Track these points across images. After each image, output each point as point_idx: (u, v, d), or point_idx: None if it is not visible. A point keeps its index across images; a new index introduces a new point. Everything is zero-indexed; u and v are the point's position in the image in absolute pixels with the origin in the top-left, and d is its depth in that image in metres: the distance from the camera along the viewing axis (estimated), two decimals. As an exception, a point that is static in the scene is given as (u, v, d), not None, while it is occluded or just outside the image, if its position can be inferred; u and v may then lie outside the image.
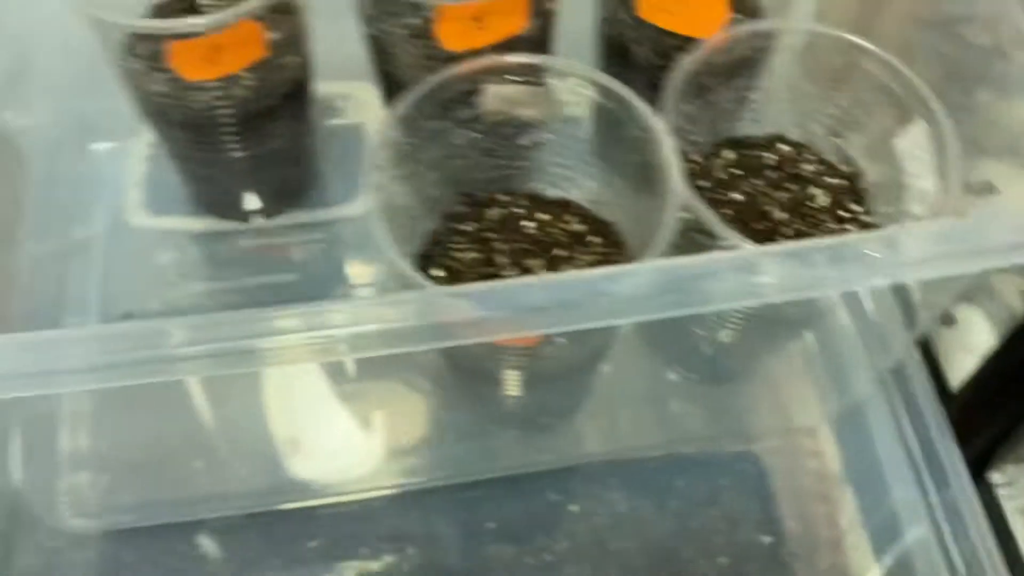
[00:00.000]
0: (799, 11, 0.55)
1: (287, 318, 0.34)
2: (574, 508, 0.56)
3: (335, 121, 0.68)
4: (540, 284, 0.35)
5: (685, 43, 0.52)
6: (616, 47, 0.55)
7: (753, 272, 0.35)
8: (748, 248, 0.37)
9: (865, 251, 0.35)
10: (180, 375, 0.34)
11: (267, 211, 0.62)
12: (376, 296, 0.43)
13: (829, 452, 0.58)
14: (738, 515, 0.56)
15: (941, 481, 0.53)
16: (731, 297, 0.35)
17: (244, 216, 0.62)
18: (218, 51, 0.47)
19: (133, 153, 0.67)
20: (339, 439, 0.57)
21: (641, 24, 0.53)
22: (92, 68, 0.66)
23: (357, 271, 0.63)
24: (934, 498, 0.54)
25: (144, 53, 0.50)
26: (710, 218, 0.40)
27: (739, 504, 0.56)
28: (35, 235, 0.61)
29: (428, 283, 0.38)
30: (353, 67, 0.67)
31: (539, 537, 0.55)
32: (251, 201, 0.61)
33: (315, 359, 0.39)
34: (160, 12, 0.56)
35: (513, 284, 0.35)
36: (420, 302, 0.34)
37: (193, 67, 0.48)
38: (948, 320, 0.63)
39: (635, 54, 0.55)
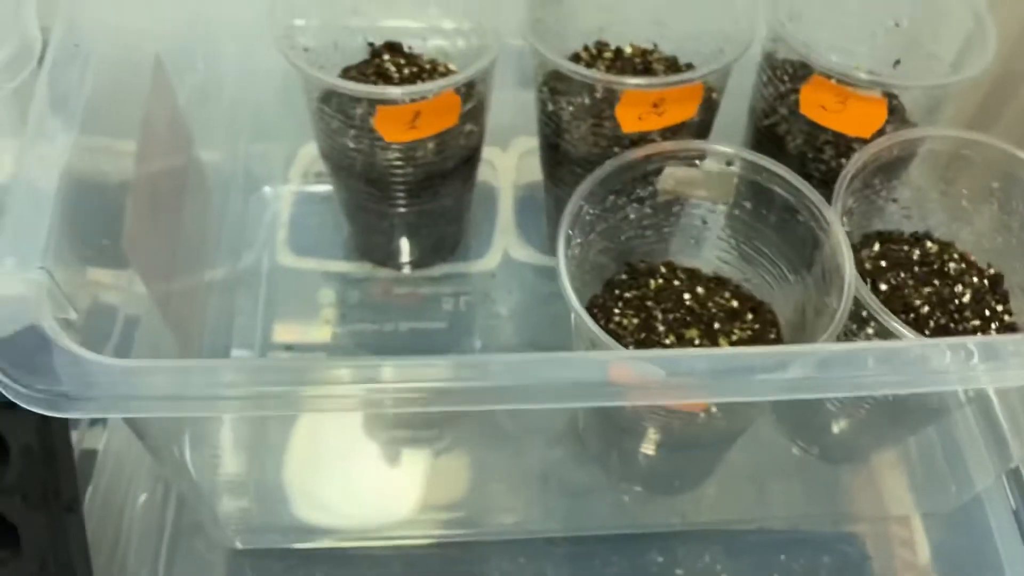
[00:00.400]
0: (946, 117, 0.58)
1: (448, 367, 0.36)
2: (679, 572, 0.58)
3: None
4: (718, 355, 0.38)
5: (837, 139, 0.56)
6: (770, 137, 0.59)
7: (921, 361, 0.37)
8: (918, 339, 0.40)
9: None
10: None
11: (420, 262, 0.67)
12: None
13: (935, 545, 0.59)
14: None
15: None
16: (901, 386, 0.38)
17: (398, 265, 0.67)
18: (418, 117, 0.52)
19: (293, 198, 0.72)
20: (472, 481, 0.60)
21: (798, 118, 0.57)
22: (269, 117, 0.73)
23: (496, 322, 0.67)
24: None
25: (343, 109, 0.55)
26: (877, 307, 0.43)
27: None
28: (210, 263, 0.66)
29: (610, 339, 0.41)
30: (491, 134, 0.73)
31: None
32: (409, 252, 0.66)
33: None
34: (349, 74, 0.61)
35: (694, 352, 0.38)
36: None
37: (394, 130, 0.53)
38: None
39: (788, 145, 0.58)
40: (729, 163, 0.49)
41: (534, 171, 0.67)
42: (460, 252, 0.70)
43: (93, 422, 0.61)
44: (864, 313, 0.44)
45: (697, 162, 0.49)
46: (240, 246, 0.69)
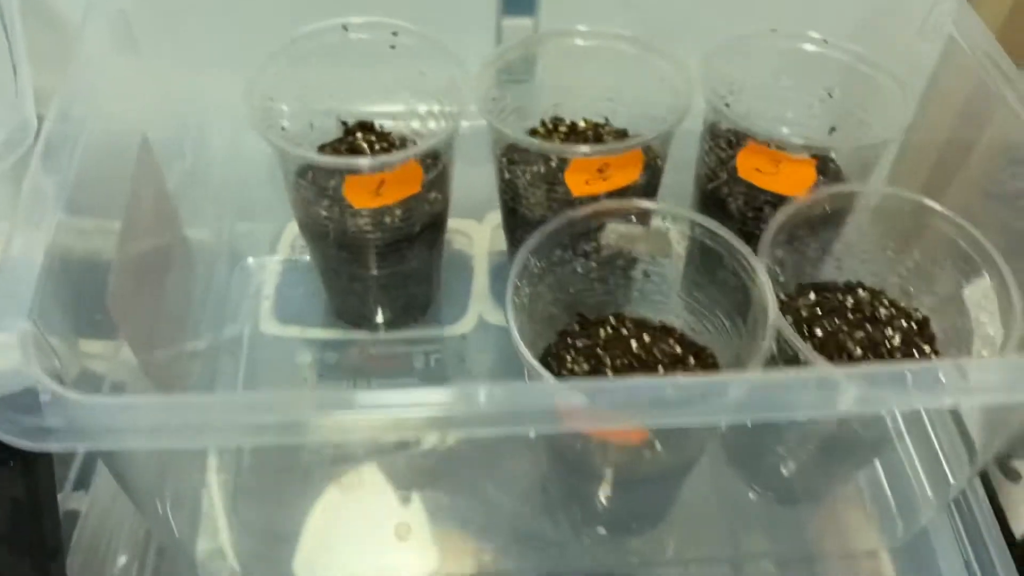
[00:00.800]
0: (877, 176, 0.63)
1: (423, 395, 0.40)
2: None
3: (448, 250, 0.78)
4: (648, 384, 0.41)
5: (775, 199, 0.60)
6: (714, 199, 0.64)
7: (836, 389, 0.41)
8: (834, 368, 0.43)
9: (939, 375, 0.41)
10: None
11: (393, 323, 0.71)
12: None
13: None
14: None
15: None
16: (813, 408, 0.41)
17: (374, 327, 0.71)
18: (383, 185, 0.57)
19: (272, 270, 0.77)
20: (444, 526, 0.62)
21: (737, 181, 0.61)
22: (250, 199, 0.79)
23: (467, 380, 0.70)
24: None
25: (316, 182, 0.60)
26: (800, 344, 0.47)
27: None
28: (193, 334, 0.70)
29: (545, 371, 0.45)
30: (464, 208, 0.78)
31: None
32: (382, 313, 0.70)
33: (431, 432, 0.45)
34: (324, 150, 0.66)
35: (624, 382, 0.41)
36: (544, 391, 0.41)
37: (360, 198, 0.57)
38: (1014, 476, 0.68)
39: (730, 206, 0.63)
40: (665, 219, 0.53)
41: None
42: (433, 314, 0.74)
43: (77, 485, 0.63)
44: (791, 352, 0.48)
45: (635, 219, 0.53)
46: (224, 315, 0.73)
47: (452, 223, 0.79)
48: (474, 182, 0.70)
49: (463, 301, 0.75)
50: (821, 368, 0.44)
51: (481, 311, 0.74)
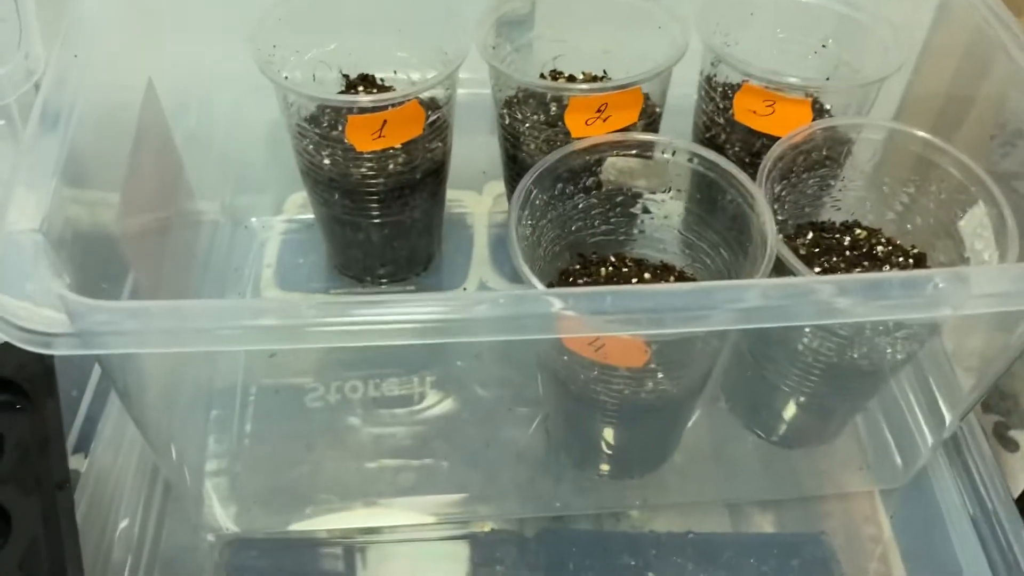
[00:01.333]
0: (873, 115, 0.64)
1: (411, 303, 0.40)
2: (650, 574, 0.60)
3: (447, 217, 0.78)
4: (650, 291, 0.42)
5: (772, 142, 0.61)
6: (712, 147, 0.64)
7: (833, 292, 0.41)
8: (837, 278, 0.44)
9: (937, 282, 0.41)
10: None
11: (396, 277, 0.71)
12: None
13: (892, 523, 0.62)
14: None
15: (1006, 546, 0.57)
16: (814, 315, 0.42)
17: (376, 280, 0.71)
18: (385, 126, 0.57)
19: (276, 232, 0.78)
20: (446, 472, 0.63)
21: (734, 127, 0.62)
22: (254, 159, 0.79)
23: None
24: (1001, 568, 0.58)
25: (321, 127, 0.61)
26: (799, 265, 0.47)
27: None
28: (198, 292, 0.71)
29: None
30: (465, 178, 0.78)
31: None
32: (384, 266, 0.70)
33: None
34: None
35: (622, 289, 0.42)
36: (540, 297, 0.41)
37: (363, 139, 0.58)
38: (1012, 446, 0.68)
39: (728, 152, 0.64)
40: (664, 151, 0.54)
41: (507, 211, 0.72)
42: (434, 275, 0.74)
43: (76, 448, 0.64)
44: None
45: (636, 153, 0.54)
46: (226, 279, 0.73)
47: (453, 193, 0.80)
48: (474, 153, 0.72)
49: (464, 266, 0.76)
50: (817, 278, 0.44)
51: (481, 275, 0.75)
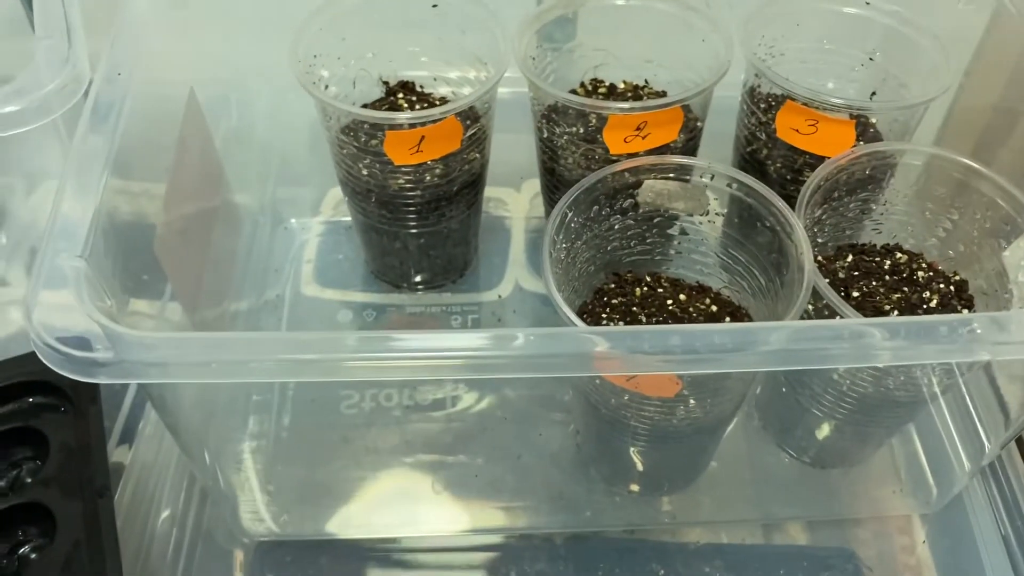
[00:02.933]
0: (918, 138, 0.63)
1: (447, 339, 0.41)
2: (678, 584, 0.61)
3: (484, 216, 0.78)
4: (681, 331, 0.41)
5: (814, 162, 0.60)
6: (753, 162, 0.64)
7: (869, 339, 0.41)
8: (868, 319, 0.43)
9: (975, 327, 0.41)
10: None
11: (431, 284, 0.72)
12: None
13: (925, 547, 0.62)
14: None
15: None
16: (846, 359, 0.42)
17: (412, 287, 0.72)
18: (423, 141, 0.57)
19: (314, 232, 0.78)
20: (478, 482, 0.63)
21: (776, 143, 0.61)
22: (293, 162, 0.80)
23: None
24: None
25: (359, 139, 0.61)
26: (835, 300, 0.47)
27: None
28: (237, 293, 0.72)
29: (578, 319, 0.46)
30: (504, 175, 0.78)
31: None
32: (421, 274, 0.71)
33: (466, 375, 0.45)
34: (367, 109, 0.67)
35: (656, 329, 0.42)
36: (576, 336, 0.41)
37: (400, 154, 0.58)
38: None
39: (769, 169, 0.63)
40: (702, 175, 0.54)
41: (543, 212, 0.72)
42: (471, 278, 0.75)
43: (121, 440, 0.65)
44: (827, 312, 0.48)
45: (673, 176, 0.54)
46: (266, 276, 0.74)
47: (491, 191, 0.80)
48: (513, 150, 0.71)
49: (501, 267, 0.76)
50: (853, 320, 0.44)
51: (518, 277, 0.75)
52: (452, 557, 0.62)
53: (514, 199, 0.82)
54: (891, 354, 0.41)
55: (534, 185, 0.80)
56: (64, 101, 0.53)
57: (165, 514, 0.62)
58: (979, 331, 0.41)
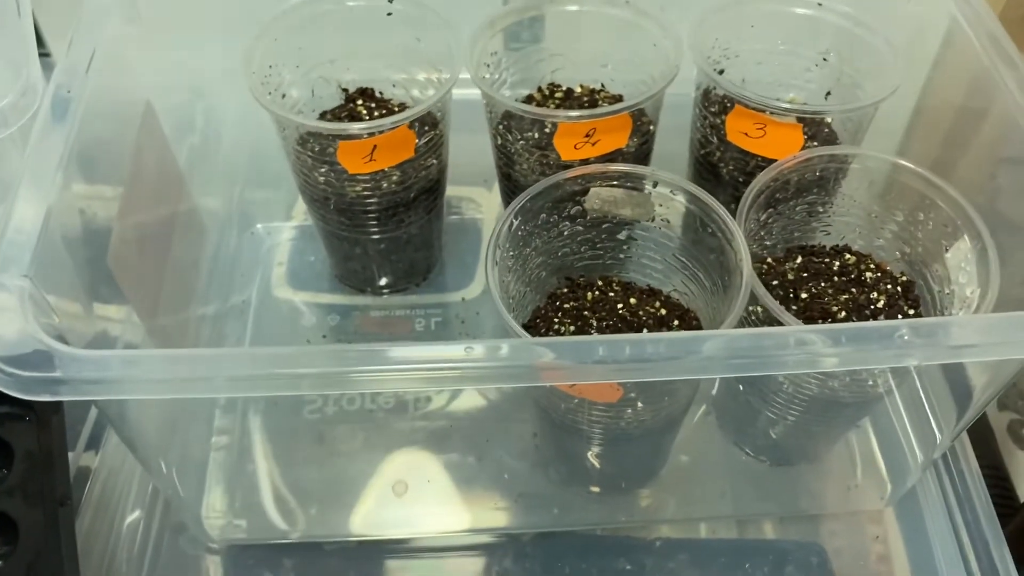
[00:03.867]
0: (875, 142, 0.63)
1: (403, 350, 0.41)
2: (644, 580, 0.62)
3: (453, 218, 0.79)
4: (620, 340, 0.42)
5: (766, 164, 0.60)
6: (707, 164, 0.64)
7: (808, 344, 0.42)
8: (803, 326, 0.44)
9: (904, 334, 0.41)
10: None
11: (396, 288, 0.73)
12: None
13: (888, 540, 0.63)
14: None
15: (988, 568, 0.58)
16: (782, 366, 0.42)
17: (377, 290, 0.72)
18: (375, 150, 0.58)
19: (285, 237, 0.79)
20: (439, 484, 0.64)
21: (728, 146, 0.62)
22: (260, 167, 0.80)
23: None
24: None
25: (314, 149, 0.61)
26: (774, 306, 0.47)
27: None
28: (202, 298, 0.72)
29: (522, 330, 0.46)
30: (474, 175, 0.79)
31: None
32: (384, 278, 0.72)
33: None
34: (325, 117, 0.67)
35: (593, 339, 0.43)
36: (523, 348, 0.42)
37: (354, 162, 0.59)
38: (1021, 442, 0.69)
39: (722, 171, 0.64)
40: (647, 183, 0.54)
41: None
42: (438, 280, 0.75)
43: (89, 445, 0.66)
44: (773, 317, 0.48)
45: (618, 183, 0.54)
46: (233, 281, 0.75)
47: (461, 191, 0.81)
48: (482, 149, 0.71)
49: (471, 267, 0.77)
50: (792, 327, 0.44)
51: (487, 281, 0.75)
52: (416, 558, 0.63)
53: (485, 199, 0.83)
54: (829, 360, 0.42)
55: (499, 185, 0.81)
56: (19, 115, 0.54)
57: (131, 518, 0.63)
58: (906, 338, 0.41)
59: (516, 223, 0.53)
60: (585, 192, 0.55)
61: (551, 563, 0.62)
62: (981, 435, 0.71)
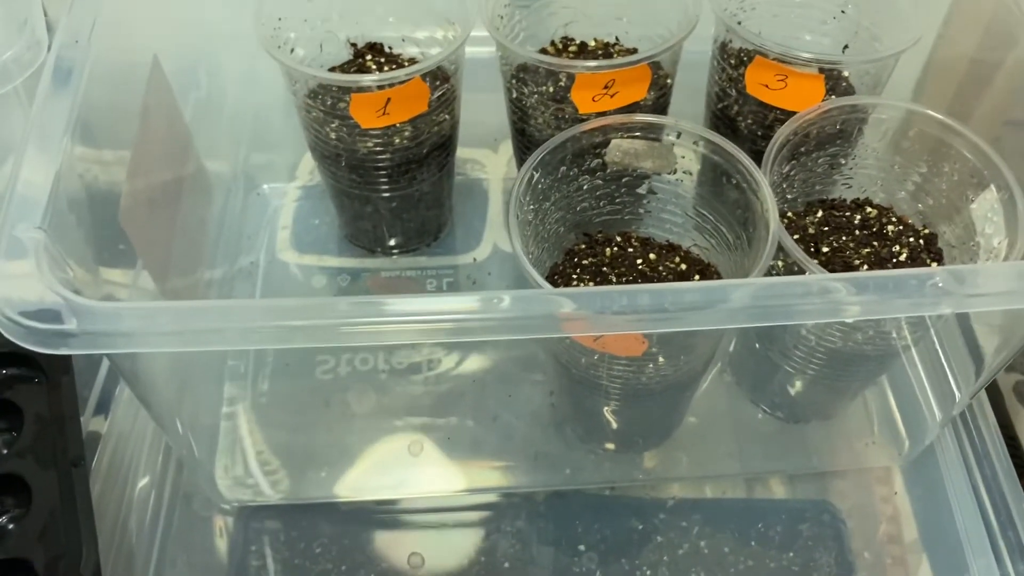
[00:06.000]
0: (888, 94, 0.62)
1: (421, 302, 0.41)
2: (659, 539, 0.61)
3: (459, 178, 0.78)
4: (647, 290, 0.41)
5: (784, 117, 0.59)
6: (724, 118, 0.63)
7: (835, 292, 0.41)
8: (830, 275, 0.43)
9: (936, 281, 0.41)
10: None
11: (406, 248, 0.72)
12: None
13: (898, 498, 0.63)
14: (813, 561, 0.60)
15: (1008, 522, 0.57)
16: (810, 315, 0.42)
17: (387, 251, 0.72)
18: (389, 103, 0.57)
19: (290, 198, 0.78)
20: (455, 443, 0.64)
21: (747, 99, 0.61)
22: (264, 128, 0.79)
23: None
24: (1002, 545, 0.58)
25: (325, 103, 0.60)
26: (801, 256, 0.47)
27: (815, 551, 0.61)
28: (210, 260, 0.71)
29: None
30: (480, 136, 0.78)
31: (622, 559, 0.60)
32: (394, 237, 0.71)
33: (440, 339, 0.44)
34: (334, 72, 0.66)
35: (620, 289, 0.42)
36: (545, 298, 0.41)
37: (367, 116, 0.58)
38: None
39: (740, 125, 0.63)
40: (669, 134, 0.53)
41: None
42: (448, 241, 0.74)
43: (97, 410, 0.65)
44: (796, 268, 0.48)
45: (640, 134, 0.53)
46: (240, 243, 0.74)
47: (468, 152, 0.80)
48: (488, 110, 0.71)
49: (478, 229, 0.76)
50: (819, 275, 0.44)
51: (496, 239, 0.75)
52: (431, 517, 0.62)
53: (491, 160, 0.82)
54: (856, 308, 0.41)
55: (511, 146, 0.80)
56: (23, 68, 0.53)
57: (143, 482, 0.62)
58: (941, 284, 0.41)
59: (536, 176, 0.52)
60: (605, 144, 0.54)
61: (565, 522, 0.61)
62: (992, 396, 0.71)
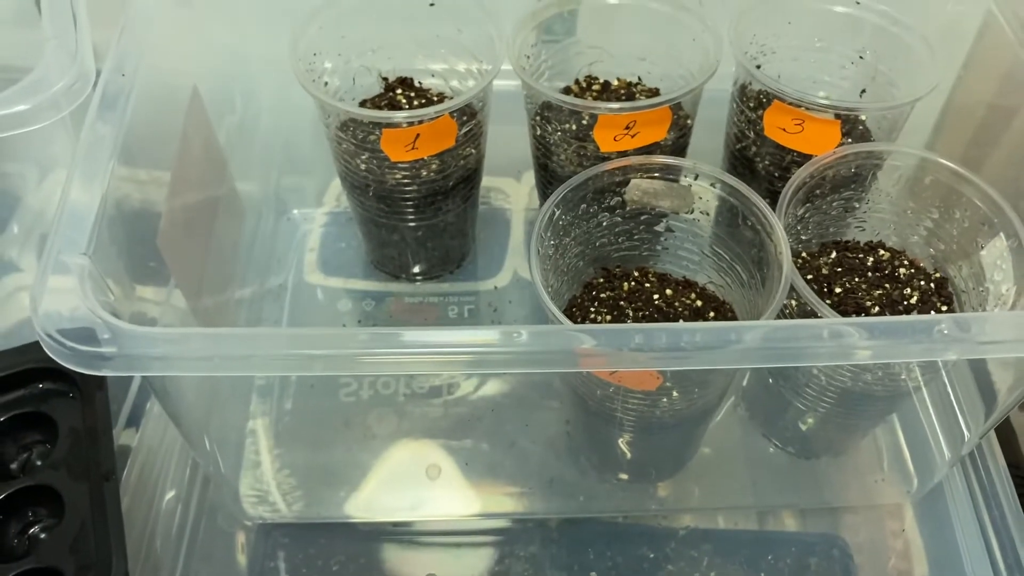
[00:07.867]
0: (905, 139, 0.64)
1: (440, 334, 0.42)
2: (670, 567, 0.63)
3: (482, 207, 0.80)
4: (663, 329, 0.43)
5: (802, 159, 0.61)
6: (742, 159, 0.65)
7: (845, 336, 0.42)
8: (840, 318, 0.45)
9: (942, 328, 0.42)
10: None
11: (429, 275, 0.74)
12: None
13: (906, 535, 0.63)
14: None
15: (1015, 565, 0.58)
16: (820, 357, 0.43)
17: (411, 277, 0.74)
18: (418, 139, 0.59)
19: (317, 222, 0.80)
20: (472, 469, 0.65)
21: (764, 141, 0.63)
22: (295, 154, 0.82)
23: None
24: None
25: (356, 136, 0.63)
26: (813, 298, 0.48)
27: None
28: (240, 281, 0.74)
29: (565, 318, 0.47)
30: (504, 166, 0.80)
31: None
32: (418, 265, 0.73)
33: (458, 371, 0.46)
34: (364, 105, 0.68)
35: (638, 327, 0.43)
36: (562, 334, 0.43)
37: (396, 151, 0.60)
38: None
39: (758, 166, 0.64)
40: (687, 175, 0.55)
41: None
42: (469, 268, 0.76)
43: (128, 423, 0.67)
44: (809, 310, 0.49)
45: (659, 175, 0.55)
46: (269, 265, 0.76)
47: (490, 181, 0.82)
48: (512, 141, 0.73)
49: (499, 257, 0.78)
50: (830, 319, 0.45)
51: (516, 267, 0.77)
52: (446, 540, 0.64)
53: (514, 189, 0.84)
54: (866, 353, 0.43)
55: (533, 177, 0.82)
56: (72, 99, 0.55)
57: (170, 495, 0.64)
58: (947, 332, 0.42)
59: (557, 213, 0.53)
60: (625, 183, 0.56)
61: (578, 549, 0.63)
62: (1003, 435, 0.71)
